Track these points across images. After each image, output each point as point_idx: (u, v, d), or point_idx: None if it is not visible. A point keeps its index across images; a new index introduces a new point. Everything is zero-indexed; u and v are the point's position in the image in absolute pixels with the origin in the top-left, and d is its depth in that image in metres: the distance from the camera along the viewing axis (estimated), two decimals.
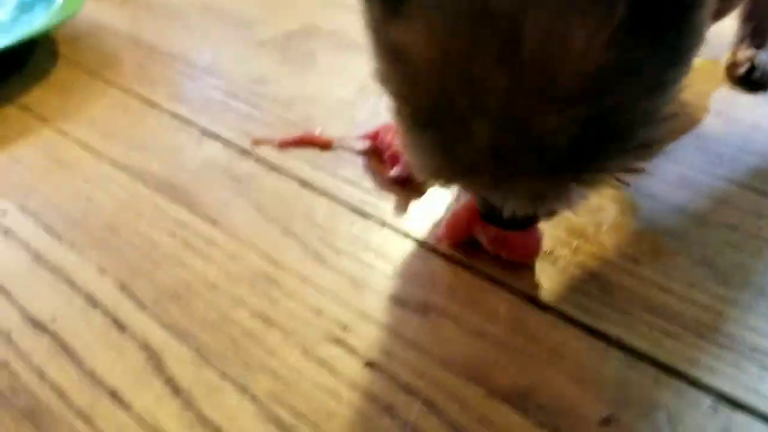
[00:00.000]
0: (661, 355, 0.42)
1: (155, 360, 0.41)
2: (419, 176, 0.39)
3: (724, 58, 0.77)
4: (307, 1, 0.91)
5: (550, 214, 0.47)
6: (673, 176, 0.59)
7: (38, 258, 0.48)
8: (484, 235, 0.48)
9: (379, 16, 0.35)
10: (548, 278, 0.48)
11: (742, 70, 0.75)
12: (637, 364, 0.42)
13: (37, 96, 0.67)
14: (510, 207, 0.38)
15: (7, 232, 0.50)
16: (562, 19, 0.29)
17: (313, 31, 0.81)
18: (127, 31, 0.80)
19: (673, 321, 0.45)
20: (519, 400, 0.39)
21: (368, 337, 0.43)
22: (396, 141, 0.58)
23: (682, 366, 0.42)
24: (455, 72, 0.32)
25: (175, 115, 0.65)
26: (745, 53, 0.76)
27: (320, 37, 0.80)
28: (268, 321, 0.44)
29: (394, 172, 0.57)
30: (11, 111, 0.64)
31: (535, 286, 0.47)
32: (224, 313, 0.44)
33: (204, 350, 0.42)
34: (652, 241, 0.51)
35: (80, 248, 0.49)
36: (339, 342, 0.43)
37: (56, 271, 0.47)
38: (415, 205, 0.54)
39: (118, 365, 0.41)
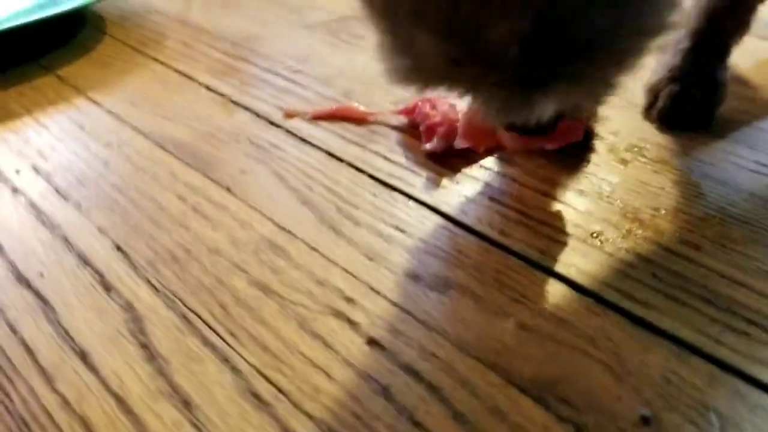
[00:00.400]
0: (720, 352, 0.35)
1: (136, 323, 0.37)
2: (393, 81, 0.38)
3: None
4: None
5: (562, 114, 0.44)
6: (747, 162, 0.51)
7: (40, 216, 0.46)
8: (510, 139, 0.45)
9: None
10: (591, 261, 0.41)
11: None
12: (688, 359, 0.35)
13: (77, 68, 0.65)
14: (494, 115, 0.37)
15: (16, 191, 0.48)
16: None
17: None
18: (176, 13, 0.78)
19: (739, 315, 0.37)
20: (540, 391, 0.33)
21: (375, 312, 0.38)
22: (433, 113, 0.53)
23: (744, 365, 0.34)
24: None
25: (210, 88, 0.62)
26: None
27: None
28: (266, 289, 0.39)
29: (429, 145, 0.52)
30: (48, 80, 0.63)
31: (573, 267, 0.41)
32: (220, 279, 0.40)
33: (190, 316, 0.38)
34: (718, 227, 0.44)
35: (86, 209, 0.46)
36: (340, 316, 0.38)
37: (55, 229, 0.44)
38: (447, 181, 0.49)
39: (96, 326, 0.37)
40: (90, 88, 0.61)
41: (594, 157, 0.52)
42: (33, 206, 0.47)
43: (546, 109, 0.36)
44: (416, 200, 0.47)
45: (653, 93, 0.56)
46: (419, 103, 0.55)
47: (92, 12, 0.76)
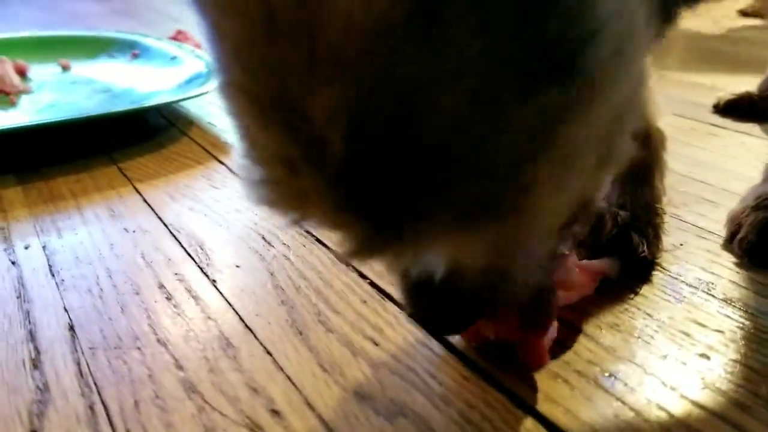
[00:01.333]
0: None
1: (40, 407, 0.33)
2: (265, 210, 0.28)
3: None
4: None
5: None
6: None
7: (19, 290, 0.44)
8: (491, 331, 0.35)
9: None
10: (593, 408, 0.32)
11: None
12: None
13: (140, 162, 0.66)
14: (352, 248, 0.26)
15: (14, 264, 0.47)
16: None
17: None
18: None
19: None
20: None
21: (297, 431, 0.31)
22: None
23: None
24: (224, 47, 0.25)
25: None
26: None
27: None
28: (191, 390, 0.34)
29: None
30: (108, 170, 0.64)
31: (567, 412, 0.32)
32: (151, 373, 0.35)
33: (97, 408, 0.33)
34: None
35: (66, 287, 0.44)
36: (256, 430, 0.31)
37: (24, 303, 0.42)
38: None
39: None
40: (140, 180, 0.61)
41: (647, 289, 0.43)
42: (19, 280, 0.45)
43: (429, 260, 0.27)
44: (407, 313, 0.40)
45: (735, 222, 0.47)
46: None
47: (182, 116, 0.79)
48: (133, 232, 0.52)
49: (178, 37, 1.18)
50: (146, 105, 0.72)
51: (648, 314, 0.40)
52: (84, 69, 0.97)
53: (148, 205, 0.56)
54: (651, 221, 0.46)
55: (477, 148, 0.23)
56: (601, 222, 0.45)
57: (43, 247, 0.49)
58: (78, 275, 0.45)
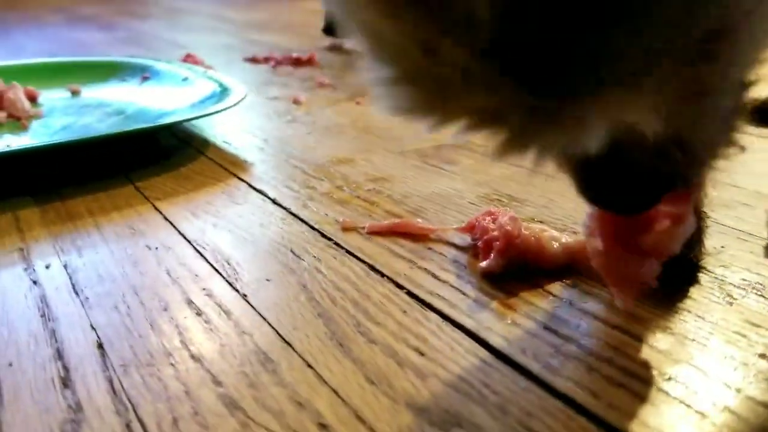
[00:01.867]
0: None
1: (73, 426, 0.31)
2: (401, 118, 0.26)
3: None
4: None
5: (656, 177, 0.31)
6: None
7: (43, 309, 0.42)
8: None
9: None
10: (660, 414, 0.31)
11: None
12: None
13: (158, 181, 0.65)
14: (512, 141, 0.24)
15: (35, 283, 0.46)
16: None
17: (464, 145, 0.73)
18: (277, 140, 0.78)
19: None
20: None
21: None
22: (492, 227, 0.46)
23: None
24: None
25: (276, 202, 0.58)
26: None
27: (468, 149, 0.71)
28: (233, 406, 0.32)
29: (485, 263, 0.44)
30: (125, 190, 0.62)
31: (634, 420, 0.30)
32: (188, 389, 0.34)
33: (134, 426, 0.31)
34: None
35: (91, 305, 0.42)
36: None
37: (49, 322, 0.41)
38: (497, 305, 0.41)
39: (31, 424, 0.32)
40: (159, 198, 0.60)
41: (694, 292, 0.42)
42: (43, 299, 0.43)
43: (586, 128, 0.24)
44: (452, 322, 0.39)
45: None
46: (479, 217, 0.48)
47: (198, 136, 0.78)
48: (156, 249, 0.50)
49: (188, 60, 1.18)
50: (160, 124, 0.71)
51: (700, 317, 0.39)
52: (94, 93, 0.97)
53: (170, 222, 0.55)
54: (696, 225, 0.45)
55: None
56: None
57: (65, 266, 0.48)
58: (102, 293, 0.44)
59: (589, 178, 0.32)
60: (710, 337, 0.37)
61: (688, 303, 0.40)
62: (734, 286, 0.42)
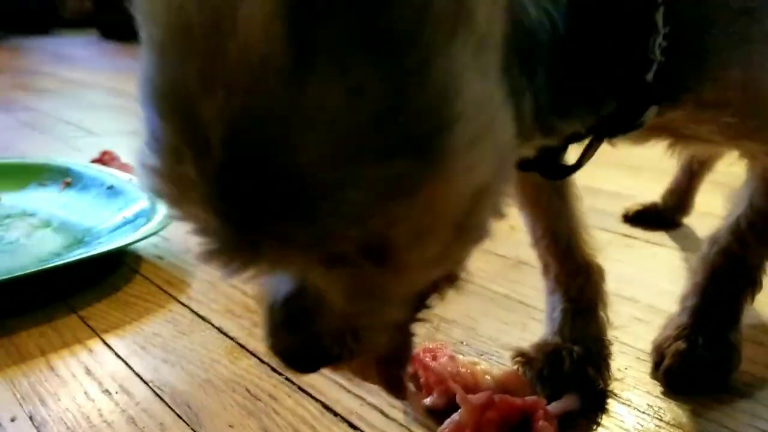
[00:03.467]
0: None
1: None
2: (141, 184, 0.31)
3: None
4: None
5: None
6: None
7: None
8: None
9: None
10: None
11: None
12: None
13: (100, 309, 0.67)
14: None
15: None
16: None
17: None
18: None
19: None
20: None
21: None
22: (433, 365, 0.52)
23: None
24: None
25: (222, 330, 0.62)
26: None
27: None
28: None
29: (428, 401, 0.50)
30: (70, 320, 0.65)
31: None
32: None
33: None
34: None
35: None
36: None
37: None
38: None
39: None
40: (106, 330, 0.63)
41: (605, 419, 0.49)
42: None
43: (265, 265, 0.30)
44: None
45: (659, 352, 0.53)
46: (420, 353, 0.54)
47: (130, 252, 0.80)
48: (116, 393, 0.53)
49: (104, 157, 1.19)
50: (105, 249, 0.73)
51: None
52: (14, 200, 0.97)
53: (122, 360, 0.58)
54: (601, 353, 0.52)
55: (332, 190, 0.27)
56: (559, 358, 0.51)
57: (30, 418, 0.50)
58: None
59: (278, 332, 0.36)
60: None
61: None
62: (639, 411, 0.49)
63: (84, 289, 0.71)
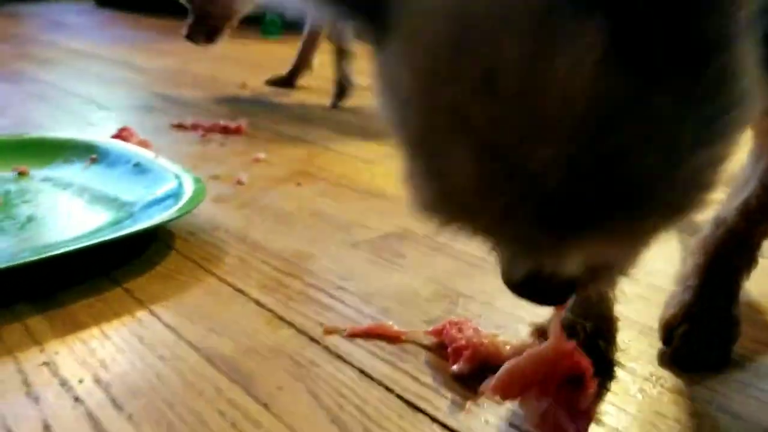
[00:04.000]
0: None
1: None
2: (418, 212, 0.36)
3: None
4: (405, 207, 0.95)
5: (573, 286, 0.40)
6: (765, 395, 0.53)
7: (96, 426, 0.50)
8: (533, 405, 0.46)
9: (370, 44, 0.35)
10: None
11: None
12: None
13: (143, 282, 0.72)
14: (508, 259, 0.36)
15: (77, 399, 0.53)
16: (540, 47, 0.28)
17: (406, 235, 0.84)
18: (237, 230, 0.86)
19: None
20: None
21: None
22: (459, 336, 0.57)
23: None
24: (437, 101, 0.31)
25: (259, 303, 0.68)
26: None
27: (412, 240, 0.83)
28: None
29: (456, 367, 0.55)
30: (116, 293, 0.70)
31: None
32: None
33: None
34: None
35: (136, 421, 0.50)
36: None
37: None
38: (471, 404, 0.52)
39: None
40: (152, 302, 0.68)
41: (613, 386, 0.55)
42: (90, 416, 0.51)
43: (571, 261, 0.34)
44: (440, 424, 0.50)
45: (667, 329, 0.59)
46: (447, 325, 0.59)
47: (163, 228, 0.85)
48: (170, 360, 0.58)
49: (123, 134, 1.23)
50: (152, 224, 0.78)
51: (621, 408, 0.52)
52: (43, 174, 1.01)
53: (172, 329, 0.63)
54: (609, 328, 0.58)
55: (659, 191, 0.31)
56: (574, 332, 0.57)
57: (97, 381, 0.55)
58: (143, 408, 0.52)
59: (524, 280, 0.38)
60: (630, 428, 0.50)
61: (610, 397, 0.53)
62: (643, 378, 0.56)
63: (124, 264, 0.76)
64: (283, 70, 1.85)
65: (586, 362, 0.49)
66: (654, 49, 0.28)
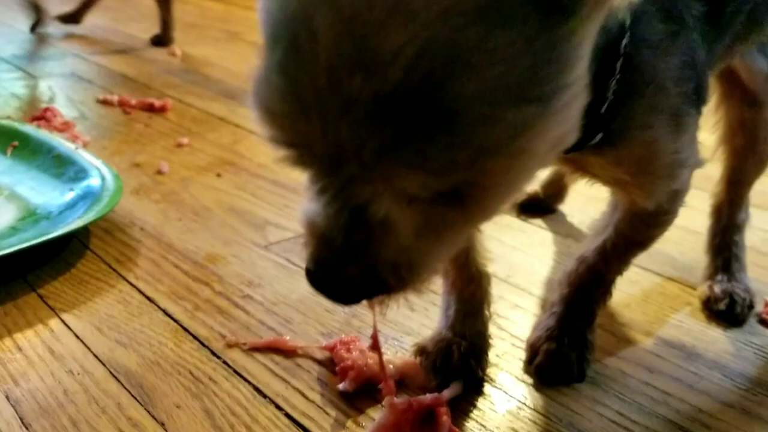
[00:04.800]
0: None
1: None
2: (257, 116, 0.36)
3: (699, 288, 0.80)
4: None
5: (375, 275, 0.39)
6: (610, 412, 0.60)
7: None
8: None
9: None
10: None
11: (722, 305, 0.76)
12: None
13: (57, 287, 0.76)
14: (317, 197, 0.37)
15: None
16: None
17: None
18: (152, 228, 0.90)
19: None
20: None
21: None
22: (347, 356, 0.63)
23: None
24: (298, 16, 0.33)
25: (167, 313, 0.72)
26: (722, 286, 0.78)
27: None
28: None
29: (341, 385, 0.61)
30: (31, 299, 0.73)
31: None
32: None
33: None
34: None
35: None
36: None
37: None
38: (351, 423, 0.58)
39: None
40: (65, 310, 0.72)
41: (480, 401, 0.62)
42: None
43: (381, 199, 0.35)
44: None
45: (533, 349, 0.66)
46: (338, 344, 0.65)
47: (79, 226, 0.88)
48: (78, 374, 0.63)
49: (46, 114, 1.24)
50: (66, 231, 0.80)
51: (482, 425, 0.59)
52: None
53: (82, 342, 0.67)
54: (483, 347, 0.65)
55: (474, 125, 0.32)
56: (449, 352, 0.63)
57: (6, 397, 0.59)
58: (49, 427, 0.56)
59: (327, 259, 0.39)
60: None
61: (475, 413, 0.60)
62: (508, 395, 0.62)
63: (40, 266, 0.79)
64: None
65: (429, 401, 0.56)
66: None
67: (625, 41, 0.45)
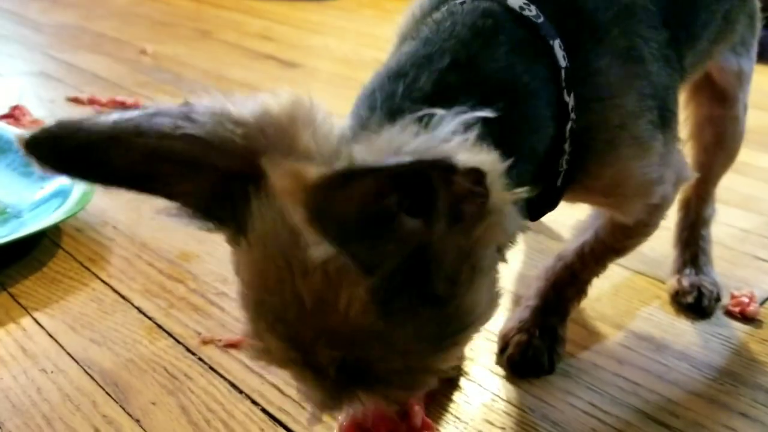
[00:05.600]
0: None
1: None
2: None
3: (668, 281, 0.81)
4: None
5: None
6: (582, 403, 0.62)
7: None
8: None
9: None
10: None
11: (690, 297, 0.78)
12: None
13: (28, 285, 0.75)
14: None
15: None
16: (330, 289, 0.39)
17: None
18: (126, 227, 0.89)
19: None
20: None
21: None
22: None
23: None
24: (258, 300, 0.43)
25: (141, 311, 0.72)
26: (690, 279, 0.80)
27: None
28: None
29: None
30: (1, 299, 0.72)
31: None
32: None
33: None
34: None
35: None
36: None
37: None
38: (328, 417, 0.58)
39: None
40: (37, 309, 0.71)
41: (456, 395, 0.62)
42: None
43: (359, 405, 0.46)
44: None
45: (504, 340, 0.67)
46: None
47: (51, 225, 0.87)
48: (52, 372, 0.62)
49: (15, 113, 1.22)
50: (36, 230, 0.80)
51: (456, 417, 0.59)
52: None
53: (56, 341, 0.66)
54: None
55: (396, 378, 0.44)
56: None
57: None
58: (23, 425, 0.56)
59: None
60: None
61: (451, 407, 0.61)
62: (482, 387, 0.63)
63: (10, 264, 0.78)
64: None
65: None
66: (401, 299, 0.40)
67: (569, 125, 0.50)
